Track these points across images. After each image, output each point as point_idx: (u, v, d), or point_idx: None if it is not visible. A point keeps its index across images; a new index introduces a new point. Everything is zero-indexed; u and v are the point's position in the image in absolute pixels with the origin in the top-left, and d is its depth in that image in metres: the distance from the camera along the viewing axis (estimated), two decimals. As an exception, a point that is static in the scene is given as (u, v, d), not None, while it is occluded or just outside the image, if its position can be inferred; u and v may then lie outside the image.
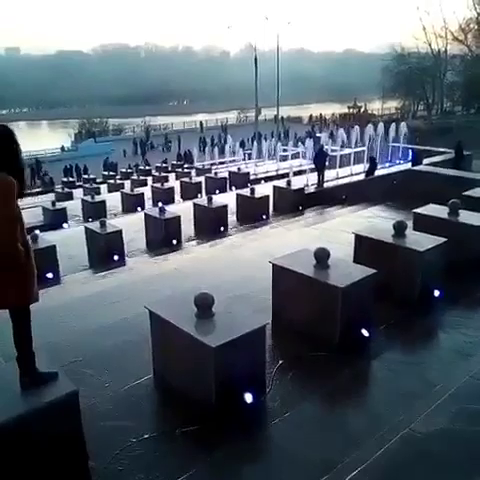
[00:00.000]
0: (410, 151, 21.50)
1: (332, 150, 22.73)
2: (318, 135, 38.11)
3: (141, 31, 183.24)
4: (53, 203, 16.94)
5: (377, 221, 9.25)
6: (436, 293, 6.05)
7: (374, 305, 5.23)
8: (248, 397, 4.04)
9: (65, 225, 15.54)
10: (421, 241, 6.13)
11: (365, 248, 6.40)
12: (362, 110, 63.32)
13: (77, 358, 4.85)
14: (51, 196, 22.93)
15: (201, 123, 62.46)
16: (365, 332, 5.09)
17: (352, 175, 19.34)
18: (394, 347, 5.18)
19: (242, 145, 35.29)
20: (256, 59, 43.97)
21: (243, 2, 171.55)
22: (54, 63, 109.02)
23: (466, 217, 7.21)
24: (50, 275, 9.35)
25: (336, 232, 9.20)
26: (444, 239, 6.15)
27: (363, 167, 19.49)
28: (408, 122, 31.09)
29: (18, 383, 3.35)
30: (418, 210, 7.60)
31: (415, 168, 15.62)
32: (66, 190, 25.28)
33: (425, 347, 5.38)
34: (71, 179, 32.05)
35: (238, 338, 3.95)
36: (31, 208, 18.00)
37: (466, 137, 21.06)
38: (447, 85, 56.54)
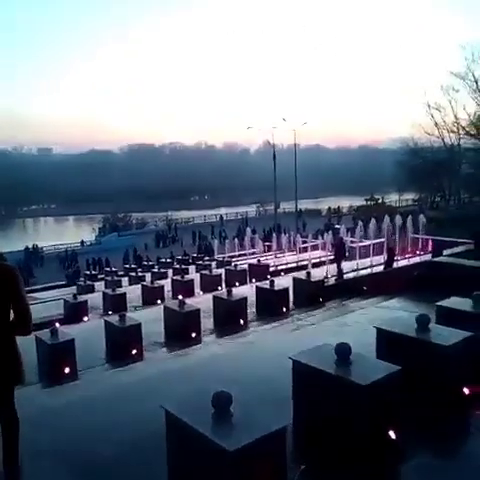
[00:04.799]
0: (430, 242, 21.53)
1: (351, 241, 22.92)
2: (336, 226, 38.69)
3: (166, 131, 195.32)
4: (74, 296, 17.15)
5: (399, 314, 9.05)
6: (466, 391, 5.75)
7: (401, 404, 4.97)
8: (268, 507, 3.75)
9: (85, 318, 15.57)
10: (446, 335, 5.93)
11: (388, 343, 6.18)
12: (379, 202, 64.53)
13: (85, 463, 4.62)
14: (74, 289, 23.27)
15: (221, 216, 64.22)
16: (392, 434, 4.79)
17: (372, 266, 19.31)
18: (427, 450, 4.84)
19: (265, 238, 36.00)
20: (274, 155, 45.99)
21: (261, 103, 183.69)
22: (83, 162, 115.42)
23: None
24: (67, 370, 9.23)
25: (357, 325, 9.02)
26: (470, 333, 5.94)
27: (382, 258, 19.49)
28: (426, 213, 31.41)
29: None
30: (441, 303, 7.44)
31: (435, 259, 15.51)
32: (88, 283, 25.66)
33: (460, 452, 5.01)
34: (94, 272, 32.67)
35: (256, 441, 3.74)
36: (54, 301, 18.22)
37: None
38: (463, 177, 57.58)
